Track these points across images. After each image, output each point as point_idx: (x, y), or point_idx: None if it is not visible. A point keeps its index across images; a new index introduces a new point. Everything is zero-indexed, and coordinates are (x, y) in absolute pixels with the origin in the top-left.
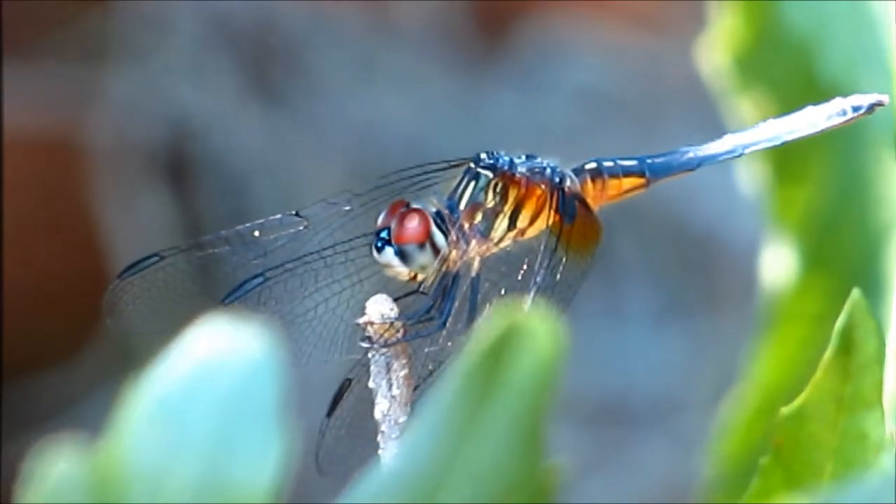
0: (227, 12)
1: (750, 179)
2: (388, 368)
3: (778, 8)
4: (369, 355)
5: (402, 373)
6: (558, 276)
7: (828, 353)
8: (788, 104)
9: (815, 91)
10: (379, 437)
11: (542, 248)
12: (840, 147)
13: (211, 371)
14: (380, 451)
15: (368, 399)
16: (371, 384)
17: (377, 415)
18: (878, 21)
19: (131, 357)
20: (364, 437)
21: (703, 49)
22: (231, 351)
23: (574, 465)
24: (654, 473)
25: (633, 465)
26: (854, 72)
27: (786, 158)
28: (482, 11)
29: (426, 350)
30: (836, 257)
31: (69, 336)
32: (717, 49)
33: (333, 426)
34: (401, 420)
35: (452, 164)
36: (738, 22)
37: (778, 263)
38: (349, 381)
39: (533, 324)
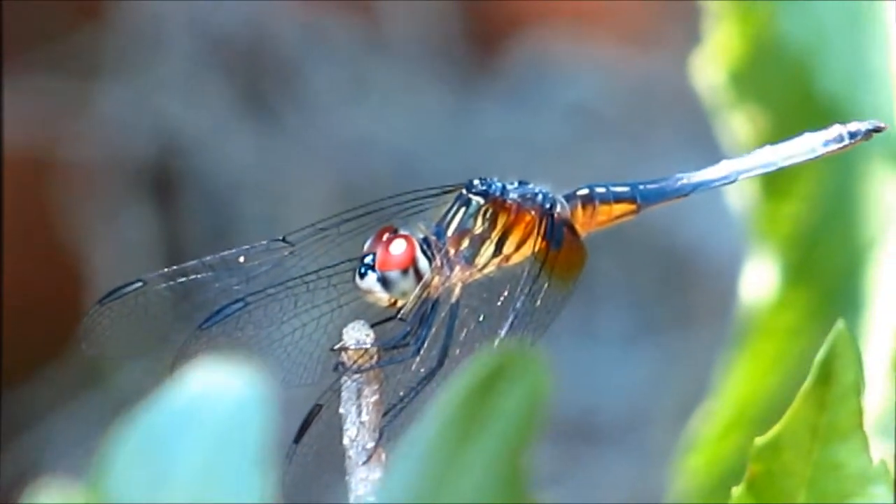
0: (221, 29)
1: (737, 194)
2: (359, 394)
3: (774, 22)
4: (341, 381)
5: (373, 399)
6: (538, 302)
7: (806, 383)
8: (784, 120)
9: (812, 106)
10: (346, 463)
11: (525, 274)
12: (829, 162)
13: (197, 410)
14: (347, 477)
15: (337, 425)
16: (341, 410)
17: (345, 441)
18: (877, 35)
19: (103, 376)
20: (332, 462)
21: (697, 64)
22: (218, 390)
23: (541, 480)
24: (619, 489)
25: (599, 480)
26: (852, 87)
27: (775, 173)
28: (474, 28)
29: (398, 376)
30: (818, 272)
31: (43, 352)
32: (712, 64)
33: (301, 452)
34: (368, 446)
35: (445, 189)
36: (733, 36)
37: (759, 278)
38: (319, 406)
39: (521, 361)
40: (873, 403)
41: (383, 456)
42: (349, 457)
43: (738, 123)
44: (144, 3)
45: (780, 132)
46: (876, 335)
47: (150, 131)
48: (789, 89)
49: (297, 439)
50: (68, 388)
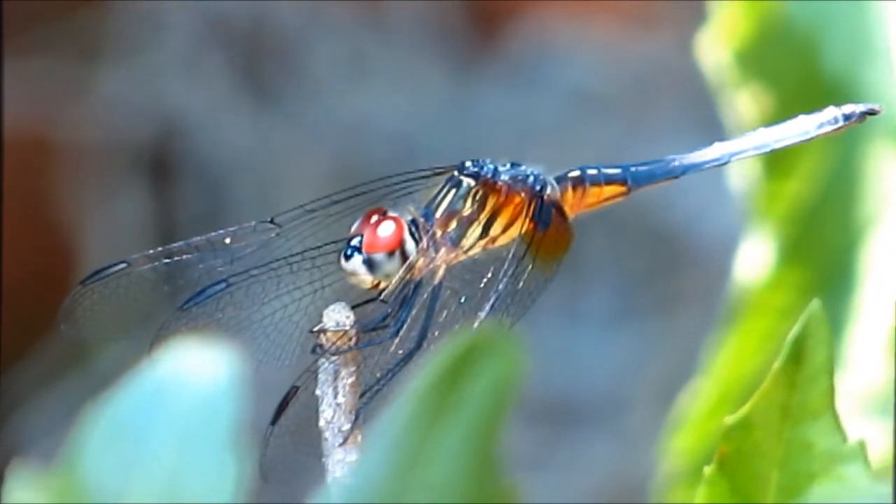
0: (221, 10)
1: (739, 173)
2: (336, 376)
3: (781, 1)
4: (318, 363)
5: (349, 380)
6: (521, 284)
7: (777, 363)
8: (789, 99)
9: (817, 86)
10: (323, 445)
11: (509, 255)
12: (832, 141)
13: (170, 391)
14: (323, 459)
15: (314, 406)
16: (317, 392)
17: (321, 423)
18: (881, 15)
19: (91, 356)
20: (308, 444)
21: (703, 43)
22: (191, 370)
23: (522, 462)
24: (601, 471)
25: (581, 463)
26: (856, 66)
27: (778, 153)
28: (474, 10)
29: (376, 358)
30: (815, 251)
31: (34, 333)
32: (717, 44)
33: (278, 434)
34: (344, 428)
35: (437, 170)
36: (739, 15)
37: (754, 257)
38: (296, 388)
39: (493, 343)
40: (869, 382)
41: (359, 438)
42: (325, 438)
43: (742, 103)
44: None
45: (785, 112)
46: (871, 314)
47: (148, 113)
48: (795, 69)
49: (274, 421)
50: (55, 369)
